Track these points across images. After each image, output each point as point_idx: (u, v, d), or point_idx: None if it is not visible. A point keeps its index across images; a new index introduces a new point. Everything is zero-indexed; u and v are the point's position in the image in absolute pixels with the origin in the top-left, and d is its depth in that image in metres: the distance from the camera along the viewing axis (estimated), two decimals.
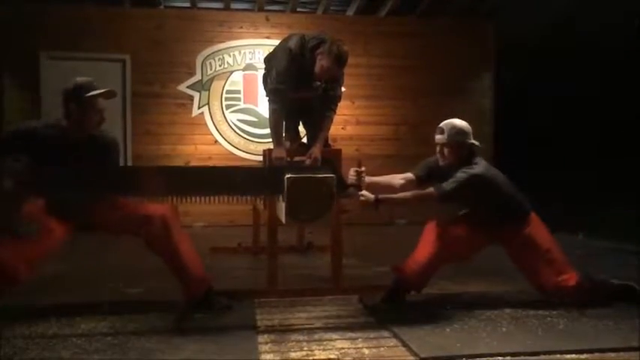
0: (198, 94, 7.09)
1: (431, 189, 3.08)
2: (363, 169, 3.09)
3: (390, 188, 3.22)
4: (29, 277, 2.73)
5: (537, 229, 3.17)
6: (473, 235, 3.14)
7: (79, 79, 2.91)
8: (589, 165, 6.34)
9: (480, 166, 3.10)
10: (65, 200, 2.81)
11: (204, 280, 3.05)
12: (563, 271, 3.09)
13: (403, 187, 3.20)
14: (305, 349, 2.50)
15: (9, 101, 6.68)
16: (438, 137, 3.15)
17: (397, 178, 3.26)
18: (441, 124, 3.16)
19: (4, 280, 2.66)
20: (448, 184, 3.03)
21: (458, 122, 3.15)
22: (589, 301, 3.07)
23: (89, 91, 2.85)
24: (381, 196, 3.04)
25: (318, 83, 3.71)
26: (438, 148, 3.17)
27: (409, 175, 3.26)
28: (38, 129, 2.86)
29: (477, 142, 3.16)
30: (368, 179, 3.13)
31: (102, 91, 2.89)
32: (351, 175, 3.08)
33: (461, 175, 3.04)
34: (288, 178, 2.80)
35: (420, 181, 3.25)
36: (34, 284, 3.16)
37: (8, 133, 3.00)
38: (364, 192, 3.04)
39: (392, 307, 3.11)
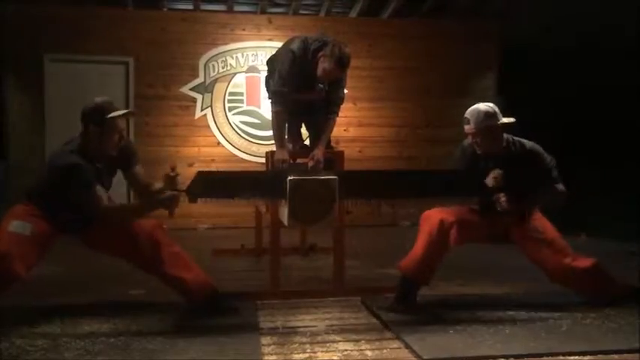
0: (201, 96, 7.10)
1: (560, 187, 3.10)
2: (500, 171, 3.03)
3: None
4: (25, 274, 2.73)
5: (542, 218, 3.18)
6: (470, 222, 3.11)
7: (99, 100, 2.90)
8: (590, 165, 6.34)
9: (531, 143, 3.12)
10: (62, 214, 2.83)
11: (204, 285, 3.02)
12: (574, 256, 3.08)
13: None
14: (308, 351, 2.51)
15: (13, 103, 6.70)
16: (467, 127, 3.10)
17: None
18: (466, 114, 3.11)
19: (2, 277, 2.66)
20: (557, 173, 3.08)
21: (482, 107, 3.09)
22: (600, 291, 3.06)
23: (109, 112, 2.83)
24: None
25: (321, 85, 3.70)
26: (470, 138, 3.12)
27: None
28: (82, 165, 2.78)
29: (508, 120, 3.07)
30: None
31: (123, 112, 2.91)
32: (492, 177, 3.02)
33: (549, 159, 3.09)
34: (290, 180, 2.80)
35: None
36: (37, 285, 3.17)
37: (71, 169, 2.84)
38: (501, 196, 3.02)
39: (404, 307, 3.08)
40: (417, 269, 3.10)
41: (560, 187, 3.12)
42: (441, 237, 3.05)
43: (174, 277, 2.95)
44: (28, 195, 2.91)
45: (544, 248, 3.10)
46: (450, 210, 3.14)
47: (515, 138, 3.14)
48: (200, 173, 2.95)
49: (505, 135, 3.13)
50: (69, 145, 2.88)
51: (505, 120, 3.07)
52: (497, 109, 3.09)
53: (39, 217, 2.81)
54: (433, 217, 3.10)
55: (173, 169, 2.91)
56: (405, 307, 3.08)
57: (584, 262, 3.07)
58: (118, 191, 3.30)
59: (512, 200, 3.01)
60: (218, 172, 3.00)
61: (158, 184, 2.95)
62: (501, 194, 3.01)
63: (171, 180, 2.85)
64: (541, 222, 3.17)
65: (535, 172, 3.10)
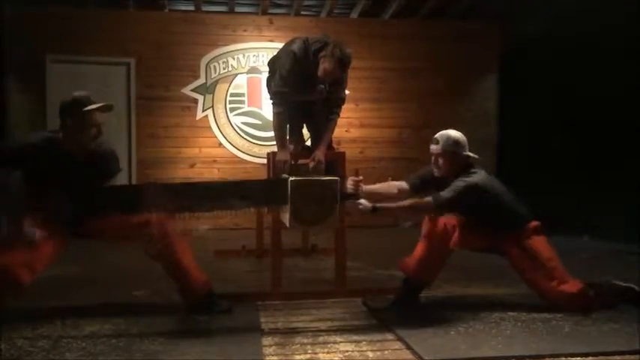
0: (202, 97, 7.10)
1: (428, 198, 3.09)
2: (360, 178, 3.14)
3: (386, 196, 3.26)
4: (31, 282, 2.75)
5: (536, 239, 3.15)
6: (470, 228, 3.11)
7: (77, 94, 2.94)
8: (591, 165, 6.33)
9: (479, 175, 3.11)
10: (61, 211, 2.84)
11: (204, 283, 3.06)
12: (564, 279, 3.07)
13: (398, 196, 3.24)
14: (309, 351, 2.51)
15: (15, 104, 6.70)
16: (433, 147, 3.18)
17: (393, 187, 3.29)
18: (436, 135, 3.21)
19: (7, 284, 2.69)
20: (445, 193, 3.04)
21: (453, 133, 3.18)
22: (594, 308, 3.05)
23: (86, 106, 2.87)
24: (378, 205, 3.07)
25: (322, 86, 3.71)
26: (432, 159, 3.19)
27: (403, 184, 3.29)
28: (36, 144, 2.88)
29: (472, 154, 3.17)
30: (365, 188, 3.16)
31: (98, 105, 2.91)
32: (349, 184, 3.12)
33: (458, 184, 3.05)
34: (291, 181, 2.80)
35: (415, 191, 3.29)
36: (39, 286, 3.17)
37: (5, 148, 3.02)
38: (362, 200, 3.08)
39: (404, 307, 3.10)
40: (417, 270, 3.13)
41: (431, 200, 3.08)
42: (443, 239, 3.08)
43: (177, 266, 2.97)
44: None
45: (534, 271, 3.09)
46: (451, 216, 3.17)
47: (472, 170, 3.15)
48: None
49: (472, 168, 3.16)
50: (44, 133, 2.96)
51: (471, 154, 3.16)
52: (466, 141, 3.17)
53: (44, 221, 2.81)
54: (434, 220, 3.14)
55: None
56: (404, 307, 3.09)
57: (571, 287, 3.04)
58: None
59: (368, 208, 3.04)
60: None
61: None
62: (361, 200, 3.07)
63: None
64: (538, 243, 3.14)
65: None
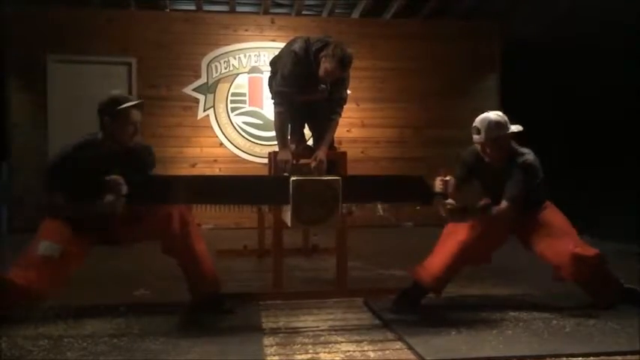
0: (203, 96, 7.11)
1: (505, 203, 3.01)
2: (448, 178, 3.06)
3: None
4: (54, 297, 2.78)
5: (551, 209, 3.17)
6: (494, 233, 3.11)
7: (113, 92, 3.00)
8: (592, 165, 6.33)
9: (529, 154, 3.08)
10: (89, 216, 2.85)
11: (217, 281, 3.07)
12: (580, 244, 3.05)
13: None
14: (310, 351, 2.50)
15: (16, 104, 6.72)
16: (476, 137, 3.08)
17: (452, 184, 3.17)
18: (476, 123, 3.08)
19: (29, 301, 2.74)
20: (514, 190, 3.00)
21: (492, 116, 3.07)
22: (602, 284, 3.05)
23: (122, 104, 2.89)
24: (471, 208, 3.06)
25: (324, 86, 3.71)
26: (479, 147, 3.12)
27: (451, 179, 3.13)
28: (76, 152, 2.90)
29: (516, 128, 3.07)
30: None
31: (134, 102, 2.94)
32: (437, 184, 3.05)
33: (518, 173, 3.01)
34: (293, 181, 2.80)
35: (463, 183, 3.23)
36: None
37: (50, 165, 2.99)
38: (450, 200, 3.03)
39: (407, 310, 3.08)
40: (434, 282, 3.10)
41: (509, 204, 3.03)
42: (465, 256, 3.07)
43: (199, 253, 2.98)
44: (51, 209, 2.93)
45: (548, 239, 3.07)
46: (474, 225, 3.10)
47: (520, 149, 3.13)
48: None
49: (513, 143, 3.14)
50: (82, 137, 2.96)
51: (514, 128, 3.07)
52: (506, 118, 3.08)
53: (69, 231, 2.84)
54: (459, 234, 3.10)
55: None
56: (409, 310, 3.08)
57: (590, 251, 3.02)
58: None
59: (456, 209, 3.02)
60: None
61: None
62: (449, 200, 3.03)
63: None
64: (549, 214, 3.15)
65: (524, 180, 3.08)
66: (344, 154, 3.88)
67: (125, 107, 2.89)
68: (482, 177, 3.23)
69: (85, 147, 2.93)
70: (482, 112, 3.14)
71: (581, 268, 2.99)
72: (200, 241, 3.03)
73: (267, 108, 6.91)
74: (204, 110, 7.11)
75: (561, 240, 3.04)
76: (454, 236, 3.11)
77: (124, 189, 2.75)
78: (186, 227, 2.97)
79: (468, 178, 3.25)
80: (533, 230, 3.13)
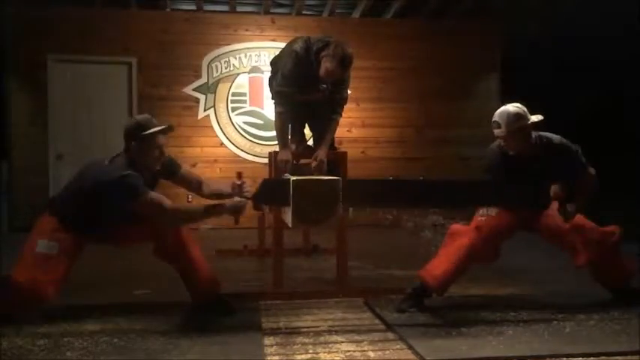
0: (204, 96, 7.11)
1: (591, 170, 3.13)
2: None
3: None
4: (54, 296, 2.79)
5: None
6: (500, 232, 3.11)
7: (139, 117, 3.00)
8: (592, 165, 6.33)
9: (555, 136, 3.13)
10: (89, 220, 2.87)
11: (215, 282, 3.07)
12: (597, 228, 3.09)
13: None
14: (310, 351, 2.50)
15: (16, 104, 6.71)
16: (497, 131, 3.09)
17: None
18: (495, 117, 3.09)
19: (34, 300, 2.75)
20: (582, 158, 3.11)
21: (511, 109, 3.08)
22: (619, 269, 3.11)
23: (148, 129, 2.88)
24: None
25: (324, 86, 3.70)
26: (502, 142, 3.12)
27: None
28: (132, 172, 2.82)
29: (536, 118, 3.08)
30: None
31: (160, 127, 2.93)
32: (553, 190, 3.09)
33: (574, 146, 3.10)
34: (293, 180, 2.80)
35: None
36: None
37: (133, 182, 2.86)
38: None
39: (413, 309, 3.09)
40: (439, 284, 3.09)
41: (592, 170, 3.15)
42: (469, 258, 3.07)
43: (194, 260, 2.99)
44: (52, 207, 2.94)
45: (571, 227, 3.08)
46: (479, 226, 3.11)
47: (542, 133, 3.14)
48: (265, 181, 2.97)
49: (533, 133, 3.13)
50: (116, 160, 2.90)
51: (534, 118, 3.08)
52: (525, 109, 3.09)
53: (65, 230, 2.85)
54: (464, 235, 3.10)
55: (240, 175, 2.94)
56: (411, 309, 3.08)
57: (608, 228, 3.08)
58: None
59: (573, 206, 3.04)
60: (281, 180, 3.07)
61: (226, 189, 2.97)
62: (568, 205, 3.05)
63: (239, 187, 2.87)
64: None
65: (567, 164, 3.12)
66: (344, 154, 3.87)
67: (151, 133, 2.88)
68: (512, 170, 3.18)
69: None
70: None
71: (602, 245, 3.04)
72: (194, 246, 3.04)
73: (268, 108, 6.90)
74: (205, 110, 7.11)
75: (586, 223, 3.08)
76: (458, 238, 3.11)
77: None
78: (179, 232, 2.98)
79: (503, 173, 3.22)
80: (550, 220, 3.12)
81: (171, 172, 3.11)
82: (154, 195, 2.79)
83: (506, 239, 3.21)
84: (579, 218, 3.10)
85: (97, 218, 2.88)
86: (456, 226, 3.17)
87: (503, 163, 3.16)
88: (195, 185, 3.17)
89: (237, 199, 2.82)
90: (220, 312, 3.02)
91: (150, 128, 2.88)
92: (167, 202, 2.78)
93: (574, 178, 3.13)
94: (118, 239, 3.08)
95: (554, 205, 3.13)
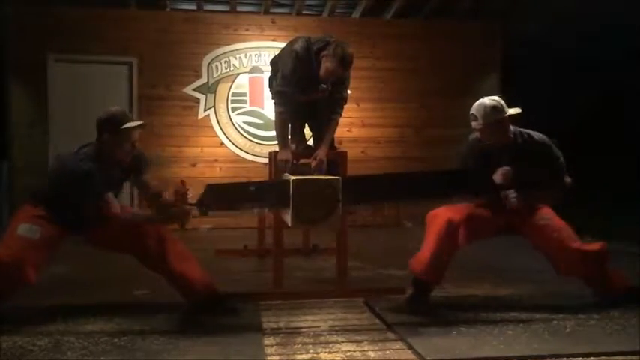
0: (204, 96, 7.10)
1: (568, 179, 3.11)
2: (507, 168, 3.08)
3: None
4: (36, 279, 2.76)
5: (547, 208, 3.18)
6: (477, 219, 3.11)
7: (113, 109, 2.96)
8: (592, 164, 6.34)
9: (535, 133, 3.13)
10: (68, 215, 2.87)
11: (206, 285, 3.04)
12: (582, 242, 3.08)
13: None
14: (311, 351, 2.51)
15: (16, 104, 6.71)
16: (474, 124, 3.11)
17: None
18: (472, 110, 3.12)
19: (14, 281, 2.71)
20: (562, 164, 3.09)
21: (487, 101, 3.10)
22: (608, 280, 3.08)
23: (124, 123, 2.88)
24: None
25: (324, 85, 3.71)
26: (478, 134, 3.13)
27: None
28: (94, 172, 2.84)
29: (514, 111, 3.09)
30: None
31: (137, 123, 2.94)
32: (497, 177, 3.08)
33: (554, 145, 3.10)
34: (292, 180, 2.80)
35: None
36: (40, 284, 3.17)
37: (83, 175, 2.87)
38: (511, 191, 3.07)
39: (416, 307, 3.08)
40: (427, 269, 3.08)
41: (567, 179, 3.13)
42: (450, 237, 3.04)
43: (179, 273, 2.97)
44: (34, 196, 2.94)
45: (551, 234, 3.08)
46: (457, 208, 3.13)
47: (523, 130, 3.15)
48: (210, 186, 2.98)
49: (512, 127, 3.13)
50: (82, 151, 2.91)
51: (511, 111, 3.09)
52: (502, 102, 3.10)
53: (46, 219, 2.84)
54: (440, 216, 3.09)
55: (183, 183, 2.93)
56: (417, 307, 3.07)
57: (593, 246, 3.06)
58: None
59: (521, 196, 3.02)
60: (227, 184, 3.09)
61: (168, 195, 2.97)
62: (510, 191, 3.03)
63: (182, 195, 2.87)
64: (548, 210, 3.17)
65: (544, 163, 3.10)
66: (344, 153, 3.88)
67: (128, 127, 2.88)
68: (486, 163, 3.19)
69: (91, 162, 2.87)
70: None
71: (586, 264, 3.03)
72: (180, 257, 3.00)
73: (268, 108, 6.89)
74: (205, 110, 7.10)
75: (565, 238, 3.07)
76: (436, 220, 3.10)
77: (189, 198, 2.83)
78: (163, 244, 2.97)
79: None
80: (533, 226, 3.13)
81: (138, 169, 3.10)
82: (108, 196, 2.83)
83: (487, 232, 3.18)
84: (565, 231, 3.09)
85: (65, 207, 2.86)
86: (432, 212, 3.17)
87: (478, 155, 3.18)
88: (151, 194, 3.14)
89: (182, 207, 2.84)
90: (218, 311, 3.01)
91: (125, 122, 2.88)
92: (117, 208, 2.84)
93: (546, 178, 3.12)
94: (96, 238, 3.05)
95: (549, 214, 3.13)
